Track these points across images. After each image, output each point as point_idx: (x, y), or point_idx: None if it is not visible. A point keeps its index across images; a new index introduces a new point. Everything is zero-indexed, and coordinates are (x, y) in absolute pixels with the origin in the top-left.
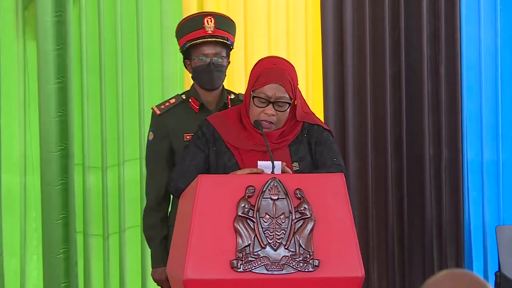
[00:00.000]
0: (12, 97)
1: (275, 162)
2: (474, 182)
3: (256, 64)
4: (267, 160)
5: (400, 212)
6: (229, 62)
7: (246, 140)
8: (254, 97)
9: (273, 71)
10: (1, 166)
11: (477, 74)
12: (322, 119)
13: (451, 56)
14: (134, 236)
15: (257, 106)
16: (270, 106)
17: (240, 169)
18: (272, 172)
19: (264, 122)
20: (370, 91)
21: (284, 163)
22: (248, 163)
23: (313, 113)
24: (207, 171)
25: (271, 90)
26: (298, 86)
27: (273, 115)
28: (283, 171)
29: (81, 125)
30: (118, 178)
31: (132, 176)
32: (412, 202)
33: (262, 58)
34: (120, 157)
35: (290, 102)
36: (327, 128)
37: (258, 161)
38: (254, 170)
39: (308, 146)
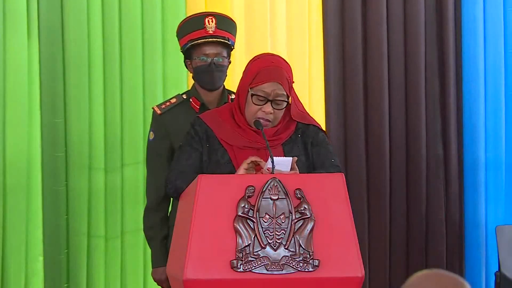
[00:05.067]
0: (16, 99)
1: (286, 158)
2: (474, 182)
3: (252, 61)
4: (261, 157)
5: (400, 212)
6: (230, 62)
7: (240, 137)
8: (252, 94)
9: (272, 69)
10: (4, 167)
11: (479, 73)
12: (324, 120)
13: (453, 55)
14: (137, 238)
15: (255, 104)
16: (268, 104)
17: (233, 166)
18: (272, 171)
19: (261, 120)
20: (372, 91)
21: (296, 158)
22: (242, 160)
23: (307, 113)
24: (202, 169)
25: (269, 88)
26: (297, 86)
27: (271, 113)
28: (292, 168)
29: (85, 127)
30: (122, 180)
31: (136, 178)
32: (412, 202)
33: (258, 55)
34: (124, 159)
35: (287, 100)
36: (322, 129)
37: (275, 157)
38: (252, 158)
39: (303, 147)
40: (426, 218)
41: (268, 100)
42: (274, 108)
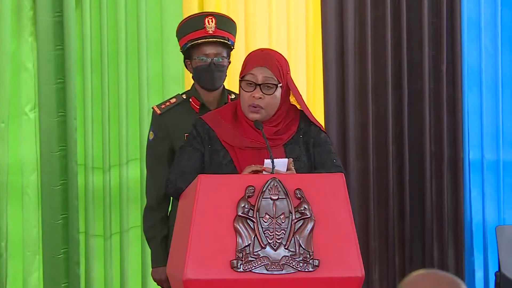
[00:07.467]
0: (13, 98)
1: (282, 159)
2: (474, 182)
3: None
4: (263, 157)
5: (401, 212)
6: (229, 62)
7: (241, 138)
8: (241, 81)
9: (259, 55)
10: (2, 166)
11: (478, 73)
12: (323, 119)
13: (452, 55)
14: (136, 237)
15: (245, 91)
16: (258, 89)
17: (234, 166)
18: (272, 171)
19: (252, 107)
20: (371, 90)
21: (291, 159)
22: (243, 161)
23: (310, 112)
24: (203, 169)
25: (257, 72)
26: (298, 87)
27: (260, 98)
28: (288, 169)
29: (83, 125)
30: (119, 179)
31: (134, 176)
32: (412, 202)
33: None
34: (122, 158)
35: (277, 84)
36: (323, 129)
37: (266, 159)
38: (254, 167)
39: (305, 147)
40: (425, 218)
41: (257, 85)
42: (264, 93)
